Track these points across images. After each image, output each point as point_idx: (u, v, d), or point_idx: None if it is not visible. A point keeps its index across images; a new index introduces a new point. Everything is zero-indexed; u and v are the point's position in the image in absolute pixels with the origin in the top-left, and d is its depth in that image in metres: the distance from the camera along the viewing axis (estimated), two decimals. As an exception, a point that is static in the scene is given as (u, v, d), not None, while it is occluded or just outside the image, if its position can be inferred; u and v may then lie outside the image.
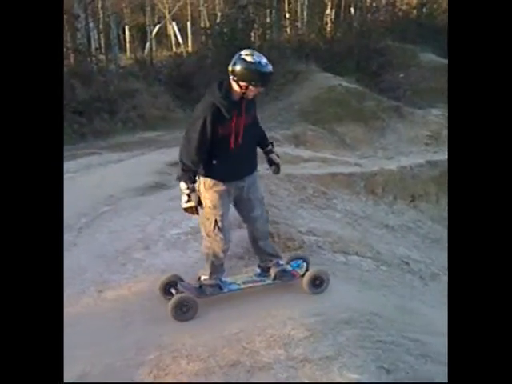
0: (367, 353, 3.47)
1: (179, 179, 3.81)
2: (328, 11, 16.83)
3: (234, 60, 3.72)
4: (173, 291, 4.16)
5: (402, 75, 14.49)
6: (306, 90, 12.15)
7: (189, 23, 19.11)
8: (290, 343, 3.56)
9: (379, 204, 8.12)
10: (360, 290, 4.44)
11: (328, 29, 16.37)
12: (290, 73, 12.99)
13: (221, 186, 3.87)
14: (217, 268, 4.13)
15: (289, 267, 4.38)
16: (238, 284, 4.27)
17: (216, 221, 3.91)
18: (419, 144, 11.15)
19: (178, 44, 19.65)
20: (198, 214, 3.89)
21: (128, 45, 19.97)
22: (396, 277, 5.69)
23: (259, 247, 4.27)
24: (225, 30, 13.43)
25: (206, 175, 3.86)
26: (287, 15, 17.25)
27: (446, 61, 14.70)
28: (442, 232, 8.20)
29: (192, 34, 17.93)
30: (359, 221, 7.16)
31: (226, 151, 3.78)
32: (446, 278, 6.26)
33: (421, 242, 7.51)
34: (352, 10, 18.26)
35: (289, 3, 17.41)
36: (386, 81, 14.06)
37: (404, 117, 12.02)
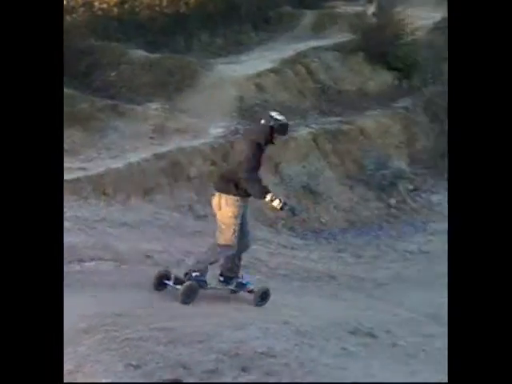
0: (112, 355, 3.39)
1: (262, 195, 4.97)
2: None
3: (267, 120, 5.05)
4: (167, 282, 5.04)
5: (113, 73, 14.29)
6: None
7: None
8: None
9: (112, 204, 7.92)
10: (96, 294, 4.25)
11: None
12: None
13: (240, 202, 4.98)
14: (207, 268, 5.10)
15: (244, 281, 5.36)
16: (213, 285, 5.21)
17: (234, 230, 4.98)
18: (144, 139, 11.08)
19: None
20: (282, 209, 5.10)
21: None
22: (138, 272, 5.64)
23: (237, 261, 5.26)
24: None
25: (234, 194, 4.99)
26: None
27: (153, 55, 14.94)
28: (181, 218, 8.36)
29: None
30: (93, 225, 6.92)
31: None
32: (190, 263, 6.39)
33: (161, 233, 7.54)
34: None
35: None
36: (98, 80, 13.66)
37: (123, 114, 11.82)
